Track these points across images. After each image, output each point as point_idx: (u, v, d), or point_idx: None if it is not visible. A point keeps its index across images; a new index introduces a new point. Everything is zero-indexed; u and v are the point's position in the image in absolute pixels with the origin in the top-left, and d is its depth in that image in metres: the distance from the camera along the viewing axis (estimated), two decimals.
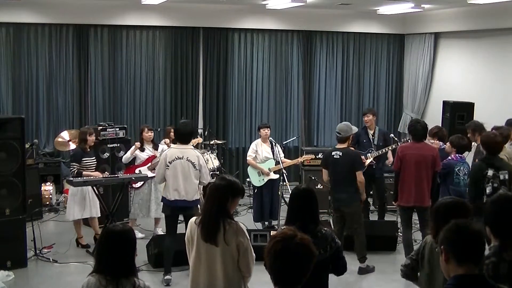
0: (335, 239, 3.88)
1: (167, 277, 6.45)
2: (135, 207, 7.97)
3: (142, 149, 8.01)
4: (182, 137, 6.47)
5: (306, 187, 4.16)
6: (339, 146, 6.77)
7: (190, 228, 3.97)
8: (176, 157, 6.31)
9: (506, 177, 5.89)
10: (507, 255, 3.13)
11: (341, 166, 6.68)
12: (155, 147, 8.11)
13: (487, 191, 5.76)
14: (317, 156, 9.42)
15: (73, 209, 7.42)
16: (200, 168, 6.33)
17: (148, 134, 8.04)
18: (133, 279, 3.07)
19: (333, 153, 6.74)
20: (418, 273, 3.76)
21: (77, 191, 7.35)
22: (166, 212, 6.54)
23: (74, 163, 7.35)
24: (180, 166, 6.29)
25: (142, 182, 7.79)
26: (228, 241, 3.79)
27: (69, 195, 7.62)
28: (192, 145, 6.85)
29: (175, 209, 6.41)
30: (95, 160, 7.65)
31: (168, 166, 6.32)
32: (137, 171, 7.84)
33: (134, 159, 8.04)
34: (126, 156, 8.00)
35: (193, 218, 4.01)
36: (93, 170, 7.51)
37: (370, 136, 8.55)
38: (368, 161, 8.23)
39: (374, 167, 8.32)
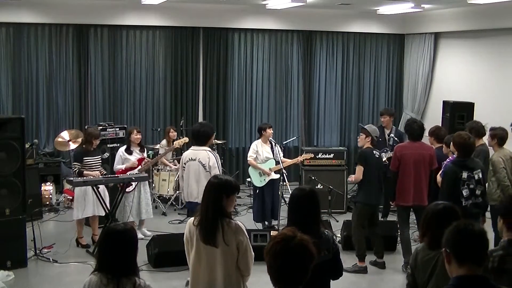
0: (335, 242, 3.88)
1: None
2: (127, 210, 7.76)
3: (129, 151, 7.85)
4: (196, 138, 6.42)
5: (310, 188, 4.09)
6: (372, 146, 6.99)
7: (188, 228, 3.94)
8: (190, 158, 6.30)
9: (480, 176, 5.85)
10: None
11: (380, 164, 7.07)
12: (142, 150, 8.01)
13: (464, 194, 5.72)
14: (317, 156, 9.44)
15: (84, 207, 7.37)
16: (210, 170, 6.19)
17: (137, 137, 7.86)
18: (134, 278, 3.08)
19: (374, 152, 6.99)
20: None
21: (85, 189, 7.33)
22: (188, 214, 6.59)
23: (75, 163, 7.36)
24: (193, 168, 6.26)
25: (133, 186, 7.70)
26: (227, 241, 3.77)
27: (77, 194, 7.48)
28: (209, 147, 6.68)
29: (190, 212, 6.45)
30: (99, 159, 7.60)
31: (184, 167, 6.36)
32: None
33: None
34: (119, 167, 7.82)
35: (191, 219, 3.98)
36: (96, 170, 7.48)
37: (386, 136, 8.64)
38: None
39: (386, 166, 8.48)
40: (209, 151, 6.34)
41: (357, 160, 7.18)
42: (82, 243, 7.62)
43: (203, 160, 6.23)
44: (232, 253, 3.81)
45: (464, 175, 5.72)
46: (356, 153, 11.95)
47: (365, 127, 7.13)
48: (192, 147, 6.46)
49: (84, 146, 7.49)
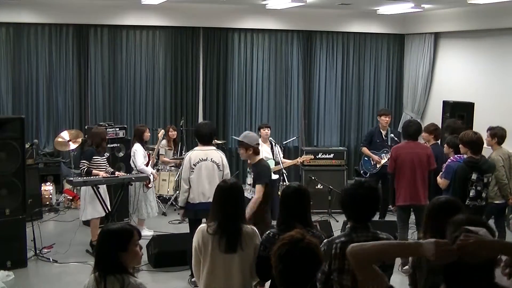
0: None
1: (194, 279, 6.33)
2: (143, 206, 8.00)
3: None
4: (202, 138, 6.30)
5: (298, 185, 4.04)
6: (258, 155, 6.06)
7: (201, 237, 3.85)
8: (200, 159, 6.18)
9: (490, 180, 6.03)
10: (356, 236, 3.34)
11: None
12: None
13: (471, 194, 5.87)
14: (317, 156, 9.44)
15: (99, 206, 7.34)
16: (223, 168, 6.21)
17: (148, 134, 8.30)
18: (123, 276, 3.03)
19: None
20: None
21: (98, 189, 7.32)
22: (189, 216, 6.32)
23: (84, 161, 7.34)
24: (205, 168, 6.14)
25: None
26: (246, 247, 3.78)
27: (86, 193, 7.44)
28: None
29: (198, 212, 6.10)
30: (105, 159, 7.61)
31: (193, 168, 6.16)
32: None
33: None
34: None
35: (204, 227, 3.88)
36: (103, 170, 7.49)
37: (383, 137, 8.63)
38: (383, 162, 8.51)
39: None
40: (218, 150, 6.38)
41: (261, 178, 5.75)
42: None
43: (216, 159, 6.19)
44: (249, 258, 3.80)
45: (474, 176, 5.85)
46: (356, 153, 11.91)
47: (240, 139, 5.95)
48: (200, 147, 6.28)
49: (95, 147, 7.46)
